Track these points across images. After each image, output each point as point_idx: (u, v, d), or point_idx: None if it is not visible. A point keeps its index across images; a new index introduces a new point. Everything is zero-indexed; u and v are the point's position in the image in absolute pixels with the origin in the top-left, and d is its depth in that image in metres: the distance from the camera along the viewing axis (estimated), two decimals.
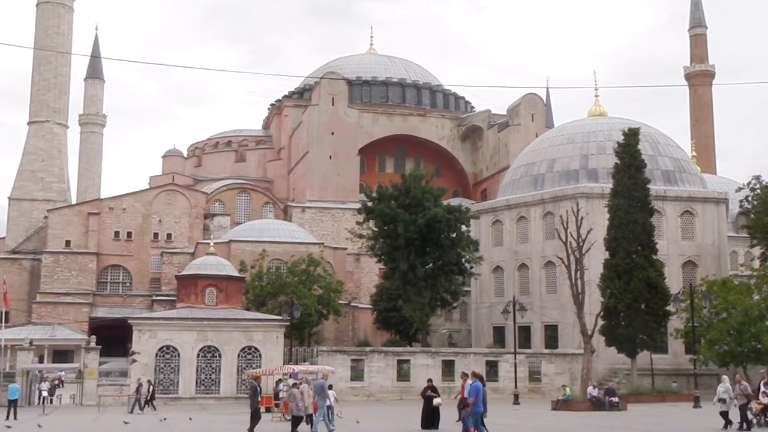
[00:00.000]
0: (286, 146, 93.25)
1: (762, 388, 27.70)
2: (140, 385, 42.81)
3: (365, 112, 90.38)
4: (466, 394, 23.68)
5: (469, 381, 23.90)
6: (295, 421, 26.21)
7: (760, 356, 49.88)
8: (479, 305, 64.74)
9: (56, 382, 50.38)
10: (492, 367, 52.98)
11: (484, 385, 23.01)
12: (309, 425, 26.47)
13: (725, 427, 27.31)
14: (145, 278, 75.01)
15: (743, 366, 51.89)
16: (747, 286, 52.38)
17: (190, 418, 34.58)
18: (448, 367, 52.09)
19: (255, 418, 27.04)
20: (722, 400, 28.20)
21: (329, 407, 26.96)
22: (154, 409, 41.98)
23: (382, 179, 71.45)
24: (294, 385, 27.53)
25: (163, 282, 72.61)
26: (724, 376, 30.48)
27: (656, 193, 55.72)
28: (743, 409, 26.99)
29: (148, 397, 42.59)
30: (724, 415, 27.79)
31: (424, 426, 27.92)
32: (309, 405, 26.38)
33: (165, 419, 34.24)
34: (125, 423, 32.17)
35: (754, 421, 27.40)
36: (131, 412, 40.12)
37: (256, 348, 49.29)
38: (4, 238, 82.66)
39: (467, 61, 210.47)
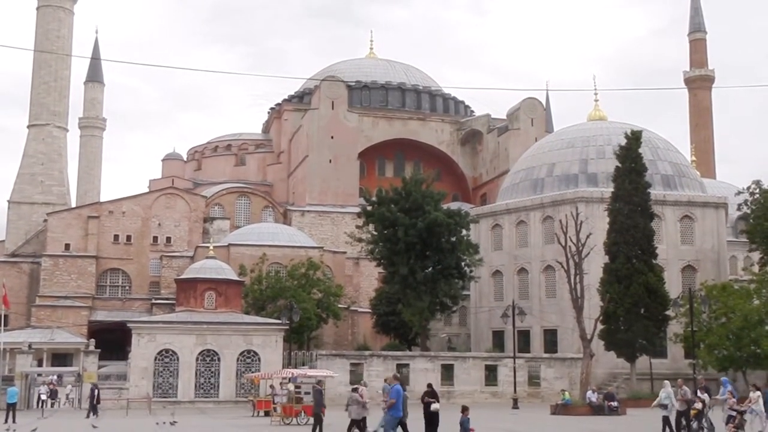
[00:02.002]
0: (286, 150, 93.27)
1: (698, 394, 27.59)
2: (92, 389, 42.62)
3: (365, 116, 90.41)
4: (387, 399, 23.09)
5: (389, 385, 23.57)
6: (353, 425, 26.41)
7: (760, 361, 49.95)
8: (479, 309, 64.76)
9: (50, 386, 49.88)
10: (491, 372, 53.01)
11: (404, 390, 22.68)
12: (365, 429, 26.79)
13: None
14: (144, 282, 74.91)
15: (743, 371, 51.96)
16: (747, 290, 52.47)
17: (174, 423, 34.06)
18: (447, 372, 52.10)
19: (318, 421, 26.97)
20: (663, 406, 28.15)
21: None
22: (97, 414, 41.29)
23: (382, 183, 71.52)
24: (354, 389, 28.16)
25: (162, 286, 72.50)
26: (666, 381, 30.43)
27: (656, 198, 55.81)
28: (683, 414, 26.86)
29: (94, 402, 42.39)
30: (665, 420, 27.76)
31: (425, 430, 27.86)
32: (367, 409, 26.61)
33: (163, 423, 34.11)
34: (94, 427, 31.82)
35: (695, 425, 27.17)
36: (88, 416, 39.92)
37: (255, 352, 49.32)
38: (3, 241, 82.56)
39: (467, 64, 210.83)
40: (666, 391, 28.04)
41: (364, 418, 26.49)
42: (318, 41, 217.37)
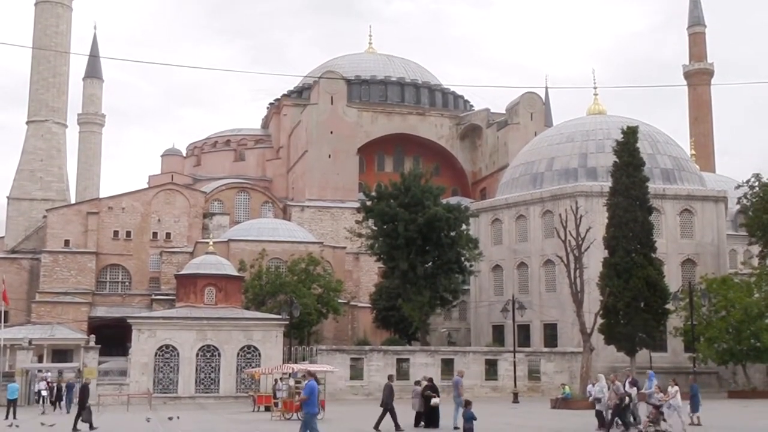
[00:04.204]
0: (285, 145, 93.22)
1: (625, 388, 27.34)
2: (67, 384, 42.74)
3: (364, 111, 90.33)
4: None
5: (305, 381, 23.33)
6: (419, 417, 27.94)
7: (760, 354, 50.04)
8: (478, 304, 64.78)
9: (48, 383, 49.59)
10: (491, 366, 53.04)
11: (319, 385, 22.42)
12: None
13: (599, 427, 27.08)
14: (144, 277, 74.95)
15: (742, 364, 52.02)
16: (746, 284, 52.50)
17: (148, 419, 33.62)
18: (447, 366, 52.11)
19: (392, 414, 27.52)
20: (598, 400, 28.00)
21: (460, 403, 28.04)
22: (59, 409, 41.56)
23: (381, 178, 71.50)
24: (416, 382, 29.39)
25: (162, 281, 72.57)
26: (600, 375, 30.43)
27: (655, 192, 55.79)
28: (615, 410, 26.63)
29: (53, 398, 42.45)
30: (599, 414, 27.66)
31: (425, 425, 28.00)
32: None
33: (150, 419, 34.07)
34: (42, 424, 31.44)
35: (619, 422, 26.83)
36: (68, 411, 40.00)
37: (255, 347, 49.36)
38: (3, 237, 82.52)
39: (466, 59, 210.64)
40: (600, 385, 27.91)
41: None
42: (319, 34, 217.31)
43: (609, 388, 27.22)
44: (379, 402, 28.74)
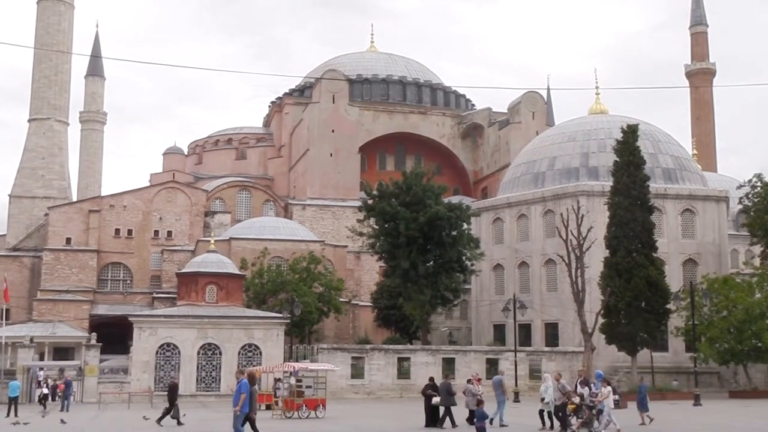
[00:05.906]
0: (287, 144, 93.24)
1: (578, 388, 27.15)
2: (65, 382, 42.85)
3: (366, 109, 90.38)
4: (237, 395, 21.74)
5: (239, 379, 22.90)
6: (473, 415, 27.78)
7: (761, 354, 50.01)
8: (480, 303, 64.79)
9: (37, 381, 49.44)
10: (492, 365, 53.04)
11: (253, 384, 21.88)
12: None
13: (549, 427, 26.96)
14: (145, 276, 74.98)
15: (744, 364, 52.01)
16: (748, 284, 52.47)
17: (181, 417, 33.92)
18: (448, 365, 52.14)
19: (449, 414, 27.80)
20: (542, 399, 27.91)
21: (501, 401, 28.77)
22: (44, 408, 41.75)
23: (383, 177, 71.50)
24: (469, 381, 29.53)
25: (163, 279, 72.61)
26: (546, 375, 30.28)
27: (657, 191, 55.76)
28: (560, 409, 26.36)
29: (42, 397, 42.59)
30: (543, 414, 27.58)
31: (426, 424, 28.04)
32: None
33: (146, 418, 34.04)
34: (63, 422, 31.56)
35: (573, 421, 26.40)
36: (64, 410, 40.05)
37: (256, 346, 49.40)
38: (4, 235, 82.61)
39: (468, 58, 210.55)
40: (545, 385, 27.84)
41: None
42: (321, 31, 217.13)
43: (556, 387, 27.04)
44: (380, 401, 28.78)
